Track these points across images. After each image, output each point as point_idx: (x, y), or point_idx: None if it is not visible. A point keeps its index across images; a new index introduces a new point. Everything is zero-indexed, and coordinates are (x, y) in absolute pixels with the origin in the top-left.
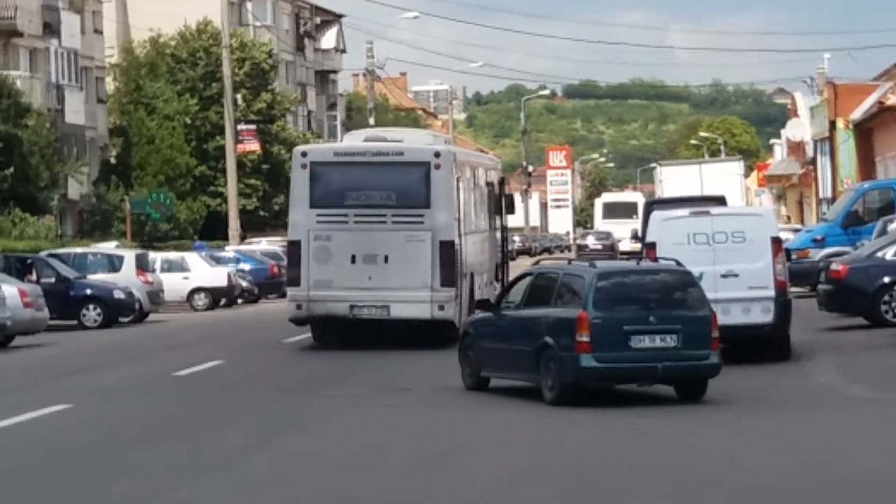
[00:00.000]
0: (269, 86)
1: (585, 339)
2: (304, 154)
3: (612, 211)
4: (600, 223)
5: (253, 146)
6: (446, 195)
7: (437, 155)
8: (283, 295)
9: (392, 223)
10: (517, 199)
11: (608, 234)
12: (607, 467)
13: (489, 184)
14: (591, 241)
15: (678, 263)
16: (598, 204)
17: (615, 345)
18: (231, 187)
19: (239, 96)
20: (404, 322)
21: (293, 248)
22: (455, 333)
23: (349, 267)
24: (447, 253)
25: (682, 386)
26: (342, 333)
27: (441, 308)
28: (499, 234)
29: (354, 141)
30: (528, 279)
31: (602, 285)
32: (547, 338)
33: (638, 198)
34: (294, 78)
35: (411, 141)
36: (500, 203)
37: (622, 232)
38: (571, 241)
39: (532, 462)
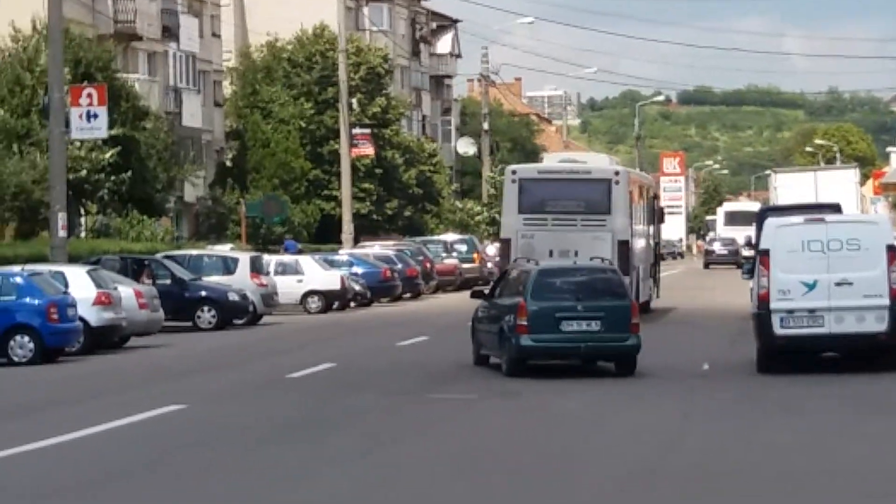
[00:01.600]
0: (384, 90)
1: (524, 322)
2: (514, 172)
3: (734, 219)
4: (722, 230)
5: (367, 150)
6: (623, 205)
7: (617, 174)
8: (396, 298)
9: (581, 225)
10: None
11: (733, 241)
12: (703, 469)
13: (648, 198)
14: (717, 247)
15: (610, 263)
16: (720, 212)
17: (548, 328)
18: (345, 191)
19: (354, 101)
20: None
21: (505, 244)
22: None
23: (547, 259)
24: (623, 249)
25: (615, 364)
26: None
27: None
28: (653, 240)
29: (551, 162)
30: (505, 275)
31: (540, 280)
32: (503, 322)
33: (758, 207)
34: (409, 83)
35: (595, 162)
36: (653, 214)
37: (742, 238)
38: (684, 248)
39: (647, 465)
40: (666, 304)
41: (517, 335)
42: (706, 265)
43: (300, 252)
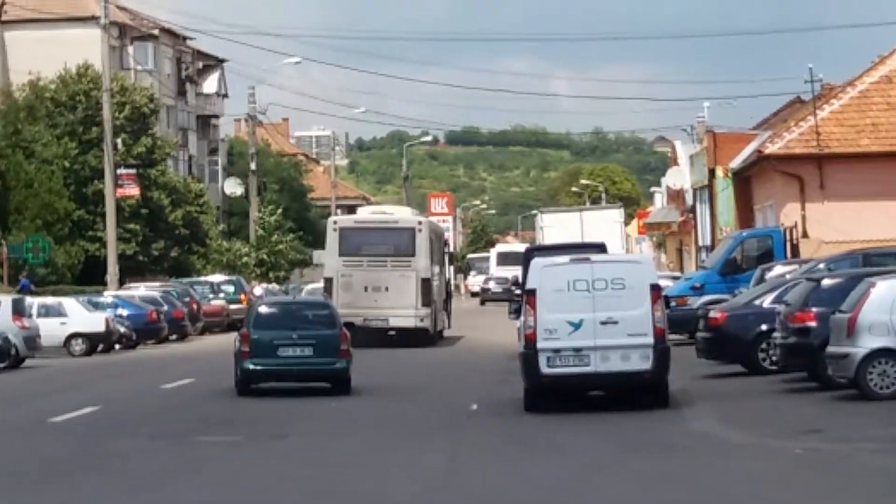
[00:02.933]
0: (149, 130)
1: (246, 349)
2: (335, 222)
3: (506, 259)
4: (496, 269)
5: (133, 191)
6: (424, 249)
7: (420, 223)
8: (163, 340)
9: (391, 266)
10: None
11: (507, 279)
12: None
13: (441, 244)
14: (492, 286)
15: (326, 298)
16: (494, 253)
17: (267, 353)
18: (110, 232)
19: (119, 140)
20: (396, 329)
21: (328, 282)
22: (429, 338)
23: (363, 294)
24: (425, 286)
25: (330, 383)
26: (358, 338)
27: (421, 320)
28: (445, 279)
29: (365, 214)
30: (251, 309)
31: (261, 311)
32: (237, 348)
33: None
34: (175, 122)
35: (401, 214)
36: (444, 257)
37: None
38: (453, 287)
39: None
40: (451, 335)
41: (242, 360)
42: (482, 302)
43: (32, 292)
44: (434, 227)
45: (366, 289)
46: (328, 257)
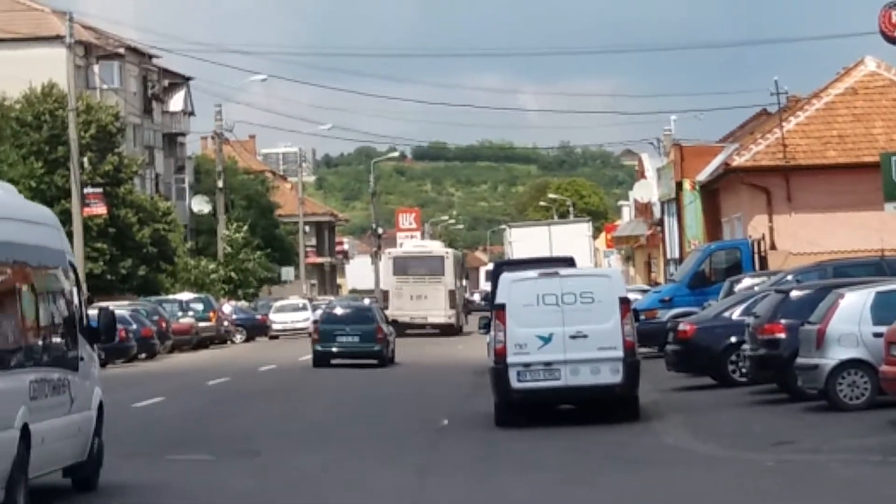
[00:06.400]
0: (115, 149)
1: (317, 336)
2: (389, 253)
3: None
4: (483, 285)
5: (100, 209)
6: (451, 270)
7: (447, 253)
8: (132, 359)
9: (428, 282)
10: (368, 261)
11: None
12: None
13: (461, 266)
14: (476, 298)
15: (370, 303)
16: (482, 270)
17: (329, 340)
18: (78, 251)
19: (85, 159)
20: (433, 324)
21: (385, 293)
22: (454, 330)
23: (410, 301)
24: (451, 295)
25: (373, 359)
26: (405, 331)
27: (449, 318)
28: (463, 291)
29: (409, 247)
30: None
31: (327, 312)
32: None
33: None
34: (141, 141)
35: (434, 246)
36: (463, 275)
37: None
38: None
39: None
40: (467, 330)
41: (314, 344)
42: (467, 313)
43: None
44: (456, 254)
45: (411, 297)
46: (384, 276)
